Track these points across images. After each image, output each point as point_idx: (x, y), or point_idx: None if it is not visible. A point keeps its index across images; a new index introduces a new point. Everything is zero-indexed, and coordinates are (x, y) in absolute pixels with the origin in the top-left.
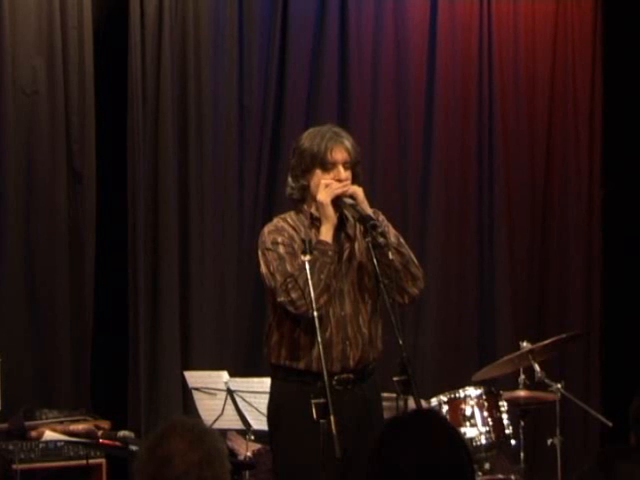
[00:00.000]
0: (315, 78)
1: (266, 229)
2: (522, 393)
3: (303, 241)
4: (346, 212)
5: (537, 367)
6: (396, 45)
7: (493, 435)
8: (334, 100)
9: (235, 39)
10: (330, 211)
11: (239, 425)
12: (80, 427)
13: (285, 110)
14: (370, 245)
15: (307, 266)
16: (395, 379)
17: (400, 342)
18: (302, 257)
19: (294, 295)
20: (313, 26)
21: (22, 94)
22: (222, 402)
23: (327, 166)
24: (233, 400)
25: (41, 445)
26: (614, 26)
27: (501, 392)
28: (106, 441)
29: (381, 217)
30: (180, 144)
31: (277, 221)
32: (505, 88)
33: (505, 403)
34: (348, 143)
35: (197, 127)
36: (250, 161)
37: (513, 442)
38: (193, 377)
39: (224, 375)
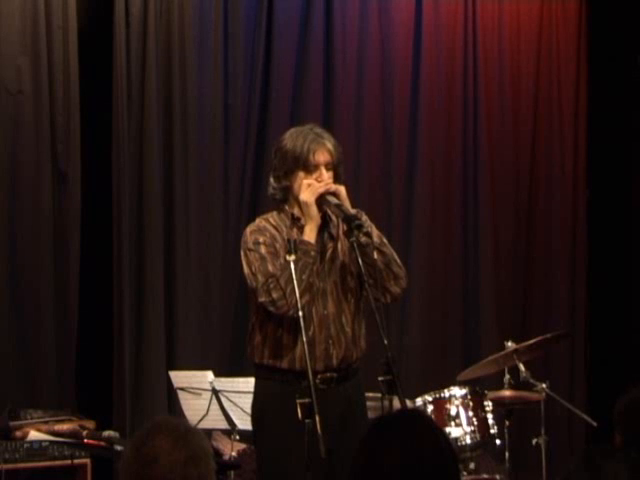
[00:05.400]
0: (300, 77)
1: (248, 229)
2: (507, 393)
3: (288, 241)
4: (330, 212)
5: (522, 367)
6: (381, 44)
7: (478, 435)
8: (319, 99)
9: (220, 39)
10: (314, 211)
11: (224, 425)
12: (65, 427)
13: (270, 110)
14: (355, 245)
15: (292, 266)
16: (380, 379)
17: (385, 342)
18: (287, 257)
19: (275, 295)
20: (298, 26)
21: (7, 94)
22: (207, 402)
23: (310, 168)
24: (218, 400)
25: (26, 445)
26: (598, 25)
27: (486, 392)
28: (91, 441)
29: (364, 217)
30: (165, 144)
31: (259, 221)
32: (490, 88)
33: (490, 403)
34: (330, 144)
35: (182, 126)
36: (235, 161)
37: (498, 442)
38: (178, 377)
39: (209, 375)
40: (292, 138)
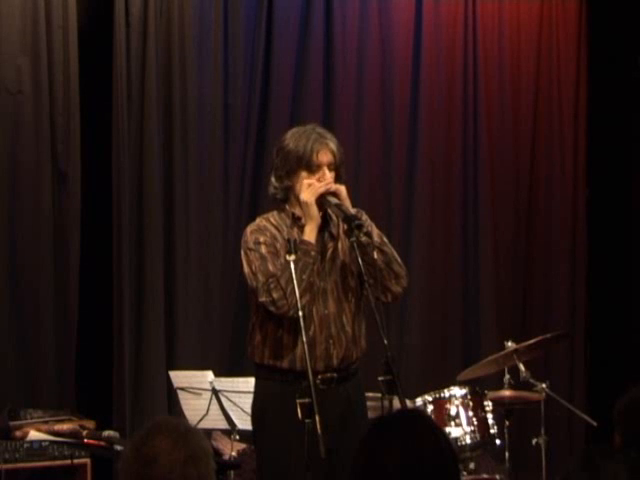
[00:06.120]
0: (300, 78)
1: (248, 229)
2: (507, 393)
3: (288, 241)
4: (330, 211)
5: (522, 367)
6: (381, 44)
7: (478, 435)
8: (319, 100)
9: (220, 39)
10: (314, 211)
11: (224, 425)
12: (65, 427)
13: (270, 110)
14: (355, 244)
15: (292, 266)
16: (380, 379)
17: (385, 342)
18: (287, 257)
19: (275, 295)
20: (298, 26)
21: (7, 94)
22: (207, 402)
23: (312, 168)
24: (218, 400)
25: (26, 445)
26: (599, 26)
27: (486, 392)
28: (91, 441)
29: (364, 216)
30: (165, 144)
31: (259, 221)
32: (490, 88)
33: (490, 403)
34: (333, 145)
35: (182, 126)
36: (235, 161)
37: (498, 442)
38: (178, 377)
39: (209, 375)
40: (295, 138)
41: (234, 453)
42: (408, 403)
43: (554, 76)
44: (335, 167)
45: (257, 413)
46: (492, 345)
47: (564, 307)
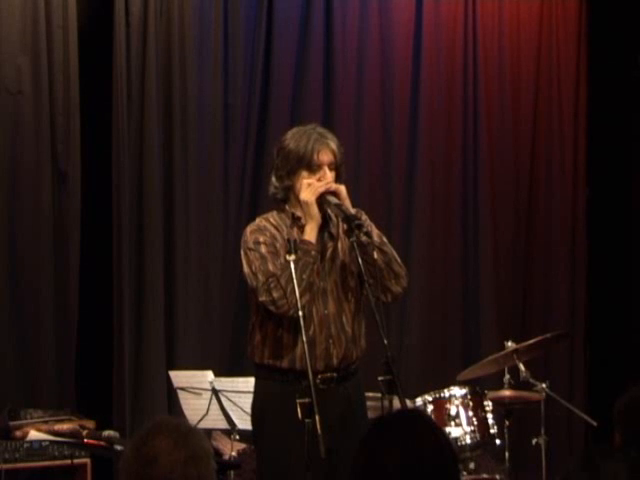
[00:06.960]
0: (300, 78)
1: (248, 229)
2: (507, 393)
3: (288, 241)
4: (330, 211)
5: (522, 367)
6: (381, 44)
7: (478, 435)
8: (319, 99)
9: (220, 38)
10: (315, 210)
11: (224, 425)
12: (65, 427)
13: (270, 109)
14: (355, 244)
15: (292, 266)
16: (380, 379)
17: (385, 342)
18: (287, 257)
19: (275, 295)
20: (298, 26)
21: (7, 94)
22: (207, 402)
23: (313, 168)
24: (218, 400)
25: (26, 445)
26: (599, 25)
27: (486, 392)
28: (91, 441)
29: (364, 217)
30: (165, 143)
31: (259, 221)
32: (490, 88)
33: (490, 403)
34: (334, 144)
35: (182, 126)
36: (235, 161)
37: (498, 442)
38: (178, 377)
39: (209, 375)
40: (295, 138)
41: (234, 453)
42: (408, 403)
43: (554, 76)
44: (335, 167)
45: (257, 413)
46: (492, 345)
47: (564, 307)
